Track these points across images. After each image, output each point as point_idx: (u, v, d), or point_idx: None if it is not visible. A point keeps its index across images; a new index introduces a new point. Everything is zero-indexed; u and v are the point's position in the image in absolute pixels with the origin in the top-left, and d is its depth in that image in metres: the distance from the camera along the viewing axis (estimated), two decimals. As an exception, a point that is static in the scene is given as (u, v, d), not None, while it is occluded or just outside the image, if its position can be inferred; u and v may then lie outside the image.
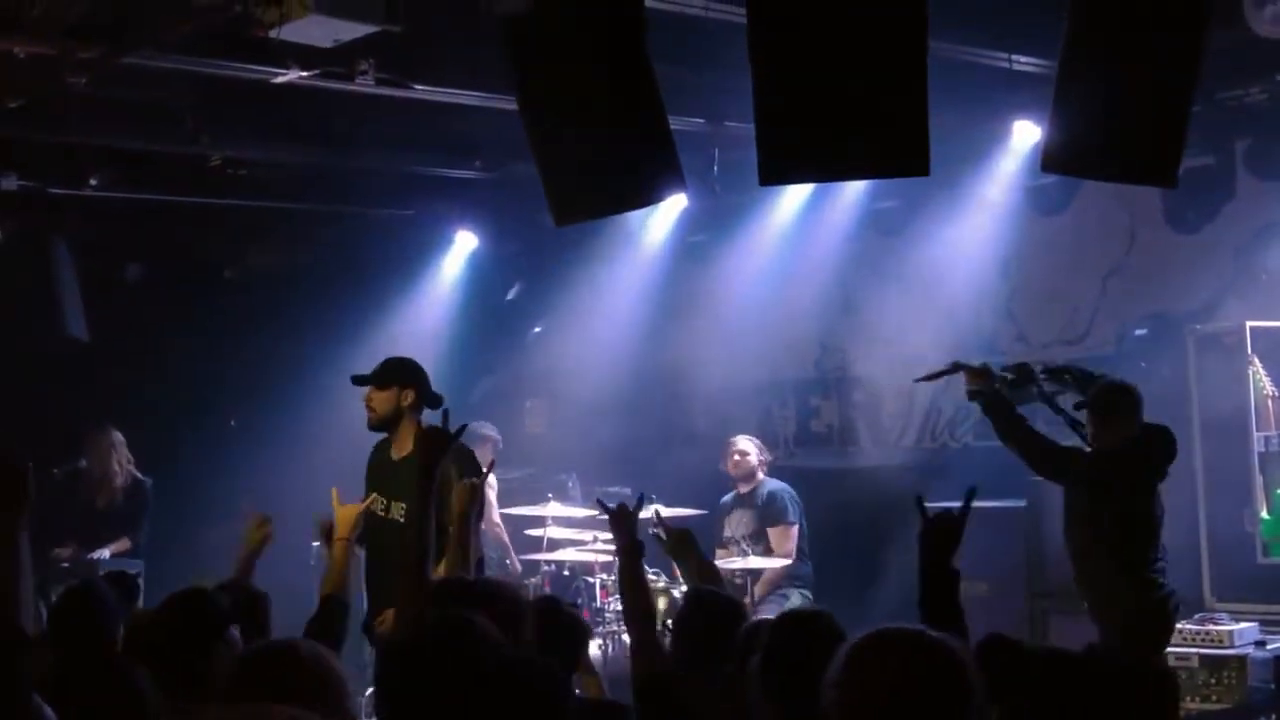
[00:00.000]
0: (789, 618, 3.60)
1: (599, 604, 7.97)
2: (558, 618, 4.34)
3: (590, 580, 8.14)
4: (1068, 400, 6.22)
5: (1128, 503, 5.90)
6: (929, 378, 6.57)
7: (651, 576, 8.08)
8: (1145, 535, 5.91)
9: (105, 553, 8.35)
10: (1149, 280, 8.23)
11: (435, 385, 10.17)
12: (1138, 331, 8.14)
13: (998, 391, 6.09)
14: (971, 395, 6.19)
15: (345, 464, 9.74)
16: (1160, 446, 5.96)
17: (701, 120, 7.74)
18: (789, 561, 8.02)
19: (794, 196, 8.94)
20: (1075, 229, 8.56)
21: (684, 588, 7.83)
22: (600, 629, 7.76)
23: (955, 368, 6.32)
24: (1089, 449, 6.04)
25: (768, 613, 7.76)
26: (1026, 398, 6.23)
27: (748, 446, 8.31)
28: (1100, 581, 5.99)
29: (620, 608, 7.92)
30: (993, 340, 9.01)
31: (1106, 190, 7.84)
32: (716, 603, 4.40)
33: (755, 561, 7.84)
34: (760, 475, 8.30)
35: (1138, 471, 5.93)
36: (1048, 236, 8.65)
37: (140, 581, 8.31)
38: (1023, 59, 6.95)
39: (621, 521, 4.61)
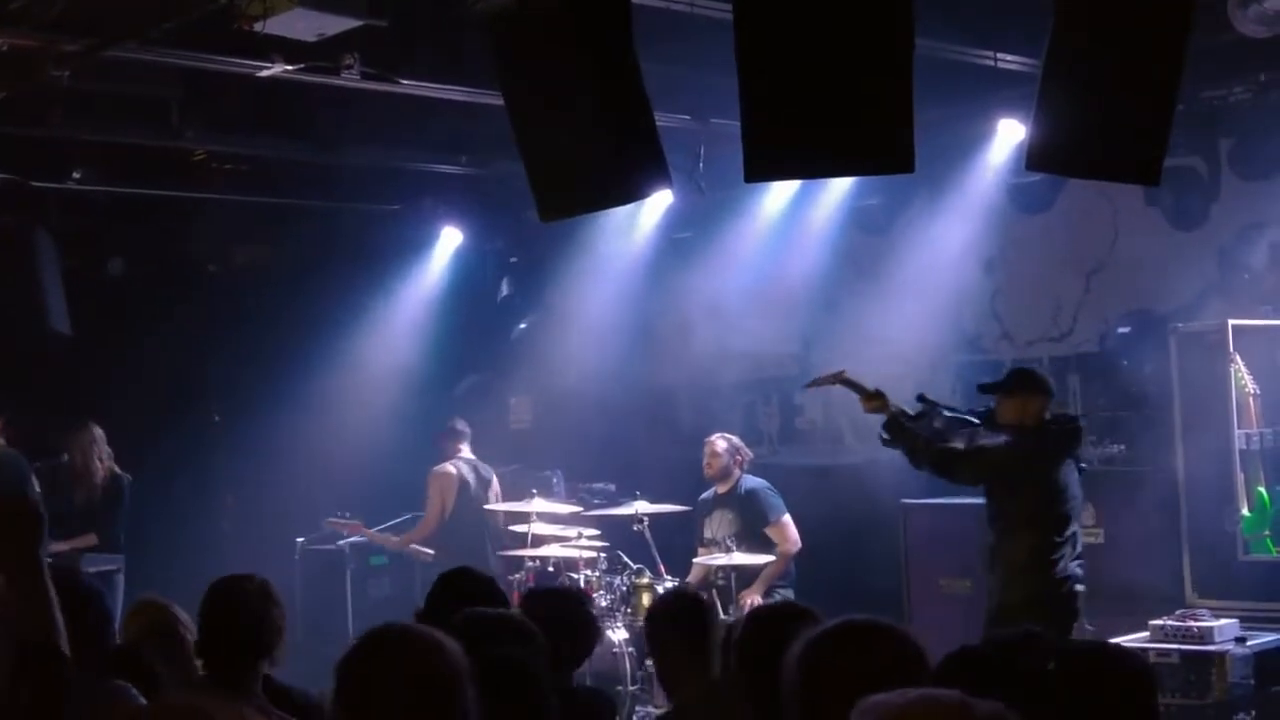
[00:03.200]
0: (761, 613, 3.59)
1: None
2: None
3: (574, 576, 8.13)
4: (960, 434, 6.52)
5: (1041, 483, 6.18)
6: (815, 384, 7.03)
7: (634, 571, 8.11)
8: (1056, 518, 6.17)
9: (63, 547, 8.33)
10: (1132, 279, 8.27)
11: (420, 381, 10.26)
12: (1121, 330, 8.17)
13: (897, 416, 6.40)
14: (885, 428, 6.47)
15: (329, 458, 9.78)
16: (1070, 430, 6.34)
17: (687, 117, 7.74)
18: (798, 548, 8.05)
19: (779, 193, 8.94)
20: (1059, 227, 8.59)
21: (669, 583, 7.88)
22: (584, 625, 7.74)
23: (841, 378, 6.68)
24: (1000, 435, 6.33)
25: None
26: (923, 430, 6.53)
27: (719, 446, 8.26)
28: (1007, 563, 6.25)
29: (603, 605, 7.96)
30: (976, 339, 9.04)
31: (1090, 188, 7.87)
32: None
33: (739, 558, 7.84)
34: (737, 473, 8.26)
35: (1051, 449, 6.23)
36: (1032, 235, 8.67)
37: (120, 577, 8.34)
38: (1008, 57, 6.96)
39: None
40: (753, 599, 7.81)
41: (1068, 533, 6.22)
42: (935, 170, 7.65)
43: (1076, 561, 6.26)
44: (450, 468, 8.93)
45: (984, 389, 6.48)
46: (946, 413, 6.53)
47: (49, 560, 8.36)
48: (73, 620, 3.93)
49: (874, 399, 6.47)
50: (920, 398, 6.60)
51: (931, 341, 8.78)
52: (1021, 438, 6.24)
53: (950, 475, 6.44)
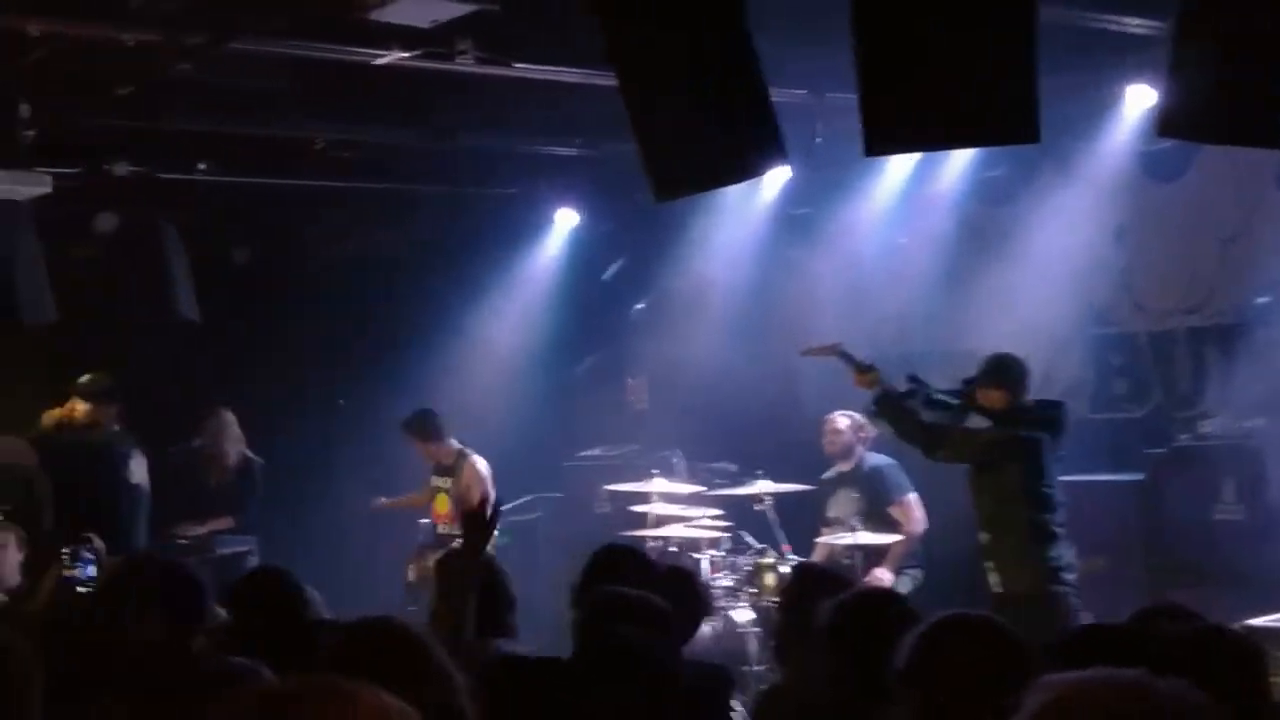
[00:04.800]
0: (853, 600, 3.56)
1: (705, 580, 7.92)
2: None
3: (697, 556, 8.11)
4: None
5: (1022, 469, 6.44)
6: (809, 352, 7.46)
7: (757, 551, 8.06)
8: (1040, 504, 6.41)
9: (200, 529, 8.54)
10: (1270, 247, 7.96)
11: (540, 363, 10.30)
12: (1259, 299, 7.90)
13: (889, 392, 6.80)
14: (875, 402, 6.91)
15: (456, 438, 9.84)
16: (1052, 415, 6.60)
17: (804, 91, 7.63)
18: (923, 529, 7.97)
19: (899, 167, 8.79)
20: (1193, 195, 8.31)
21: (793, 563, 7.80)
22: (707, 606, 7.72)
23: (836, 350, 7.12)
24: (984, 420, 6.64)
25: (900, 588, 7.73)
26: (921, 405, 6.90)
27: (841, 424, 8.21)
28: (995, 552, 6.51)
29: (727, 584, 7.93)
30: (1107, 312, 8.79)
31: (1225, 154, 7.59)
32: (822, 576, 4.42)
33: (864, 537, 7.75)
34: (860, 451, 8.19)
35: (1034, 435, 6.48)
36: (1164, 203, 8.41)
37: (254, 558, 8.52)
38: (1135, 21, 6.77)
39: (483, 527, 4.13)
40: (880, 578, 7.72)
41: (1055, 518, 6.43)
42: (1062, 139, 7.46)
43: (1069, 549, 6.46)
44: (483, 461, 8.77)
45: (968, 383, 6.70)
46: (935, 394, 6.83)
47: (183, 542, 8.61)
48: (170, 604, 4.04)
49: (867, 373, 6.86)
50: (910, 378, 6.90)
51: (1061, 315, 8.56)
52: (1004, 424, 6.51)
53: (933, 453, 6.74)
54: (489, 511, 4.14)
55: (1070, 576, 6.41)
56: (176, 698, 3.07)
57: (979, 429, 6.63)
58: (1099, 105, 7.76)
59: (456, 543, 8.14)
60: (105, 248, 8.96)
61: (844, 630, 3.36)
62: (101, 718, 3.25)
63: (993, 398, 6.57)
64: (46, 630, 3.57)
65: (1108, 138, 7.94)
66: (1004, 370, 6.60)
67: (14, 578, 6.79)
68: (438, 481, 8.92)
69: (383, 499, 9.31)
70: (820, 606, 3.72)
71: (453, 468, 8.79)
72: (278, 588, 4.26)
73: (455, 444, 8.88)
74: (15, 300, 7.77)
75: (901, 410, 6.72)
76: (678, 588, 4.48)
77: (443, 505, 8.85)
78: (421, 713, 1.85)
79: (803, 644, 4.17)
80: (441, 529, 8.76)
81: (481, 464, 8.70)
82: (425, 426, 8.85)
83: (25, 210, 7.73)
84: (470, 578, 4.10)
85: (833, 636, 3.39)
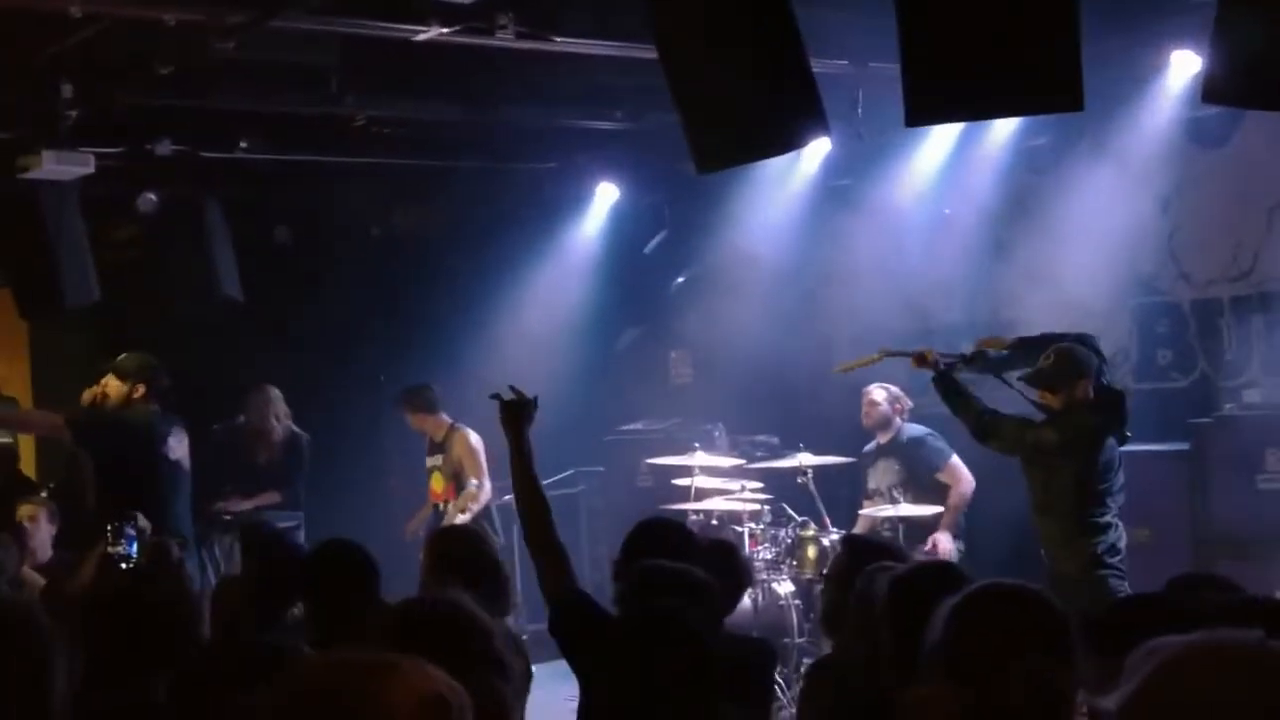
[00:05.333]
0: (903, 578, 3.55)
1: (747, 552, 7.94)
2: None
3: (738, 529, 8.12)
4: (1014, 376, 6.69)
5: (1077, 466, 6.29)
6: (849, 367, 7.40)
7: (800, 523, 8.06)
8: (1091, 498, 6.28)
9: (247, 504, 8.59)
10: (1318, 212, 7.89)
11: (581, 337, 10.31)
12: (1306, 267, 7.82)
13: (945, 373, 6.65)
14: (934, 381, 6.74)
15: (492, 415, 9.88)
16: (1113, 407, 6.40)
17: (845, 62, 7.58)
18: (973, 486, 7.96)
19: (941, 137, 8.73)
20: (1239, 162, 8.23)
21: (834, 535, 7.80)
22: (749, 578, 7.73)
23: (881, 356, 7.06)
24: (1043, 414, 6.46)
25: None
26: (982, 370, 6.79)
27: (878, 396, 8.20)
28: (1047, 538, 6.42)
29: (768, 557, 7.94)
30: (1152, 280, 8.73)
31: (1272, 121, 7.50)
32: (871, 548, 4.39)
33: (905, 509, 7.74)
34: (898, 422, 8.18)
35: (1093, 431, 6.32)
36: (1209, 170, 8.32)
37: (300, 533, 8.59)
38: (1180, -15, 6.69)
39: (515, 417, 4.44)
40: (942, 543, 7.73)
41: (1105, 509, 6.31)
42: (1105, 107, 7.38)
43: (1118, 533, 6.34)
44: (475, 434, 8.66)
45: (1028, 380, 6.53)
46: (1006, 352, 6.71)
47: (228, 518, 8.65)
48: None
49: (921, 360, 6.74)
50: (976, 352, 6.79)
51: (1106, 284, 8.50)
52: (1063, 423, 6.33)
53: (982, 442, 6.62)
54: (519, 399, 4.23)
55: (1114, 559, 6.33)
56: (219, 678, 3.10)
57: (1031, 425, 6.46)
58: (1143, 72, 7.67)
59: (456, 519, 8.27)
60: (148, 227, 9.03)
61: (901, 603, 3.33)
62: (142, 699, 3.27)
63: (1048, 398, 6.42)
64: (86, 610, 3.57)
65: (1152, 104, 7.85)
66: (1057, 374, 6.38)
67: (46, 552, 6.84)
68: (431, 461, 8.93)
69: (409, 525, 9.23)
70: (870, 578, 3.72)
71: (443, 443, 8.82)
72: (356, 562, 4.32)
73: (446, 419, 8.90)
74: (59, 281, 7.85)
75: (958, 394, 6.60)
76: (720, 561, 4.51)
77: (438, 484, 8.87)
78: (469, 693, 1.86)
79: (852, 616, 4.18)
80: (441, 508, 8.77)
81: (473, 436, 8.66)
82: (415, 398, 8.91)
83: (69, 191, 7.81)
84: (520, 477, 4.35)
85: (889, 610, 3.36)
